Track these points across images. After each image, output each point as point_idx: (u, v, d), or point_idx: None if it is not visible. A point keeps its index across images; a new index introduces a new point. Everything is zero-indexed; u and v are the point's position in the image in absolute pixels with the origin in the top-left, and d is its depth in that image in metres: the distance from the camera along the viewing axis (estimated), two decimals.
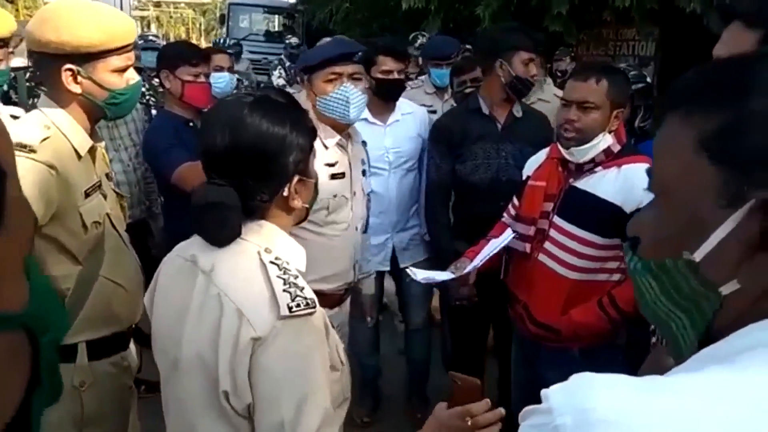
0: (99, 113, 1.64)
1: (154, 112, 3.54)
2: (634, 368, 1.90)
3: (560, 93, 3.32)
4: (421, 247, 2.85)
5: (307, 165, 1.19)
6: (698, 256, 0.57)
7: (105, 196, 1.68)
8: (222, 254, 1.12)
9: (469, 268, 2.04)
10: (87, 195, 1.58)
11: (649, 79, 3.15)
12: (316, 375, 1.09)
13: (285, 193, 1.15)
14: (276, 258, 1.11)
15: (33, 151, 1.44)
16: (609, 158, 1.86)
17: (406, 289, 2.92)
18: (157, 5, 41.22)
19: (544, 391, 0.54)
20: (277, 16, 15.74)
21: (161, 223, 3.09)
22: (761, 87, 0.54)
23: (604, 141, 1.86)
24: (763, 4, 1.15)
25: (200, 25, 43.00)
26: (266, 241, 1.14)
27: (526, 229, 2.01)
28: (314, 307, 1.08)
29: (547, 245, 1.94)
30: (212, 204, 1.09)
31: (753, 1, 1.17)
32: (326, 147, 2.05)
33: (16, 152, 0.64)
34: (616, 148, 1.87)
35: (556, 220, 1.94)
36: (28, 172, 1.41)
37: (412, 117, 2.79)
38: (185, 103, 2.62)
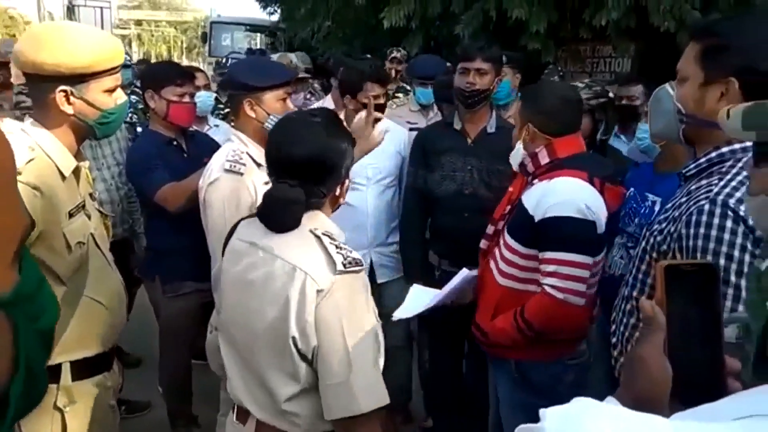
0: (88, 133, 1.67)
1: (139, 129, 3.54)
2: (579, 388, 1.92)
3: None
4: (400, 263, 2.87)
5: (350, 169, 1.48)
6: (764, 265, 0.56)
7: (89, 216, 1.69)
8: (280, 235, 1.37)
9: (430, 304, 2.10)
10: (71, 215, 1.59)
11: (611, 95, 3.26)
12: (368, 318, 1.34)
13: (337, 193, 1.46)
14: (325, 231, 1.38)
15: (18, 173, 1.44)
16: (538, 169, 1.93)
17: (383, 306, 2.93)
18: (138, 24, 41.08)
19: (542, 411, 0.54)
20: (259, 34, 15.81)
21: (144, 242, 3.08)
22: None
23: (517, 152, 2.00)
24: (706, 24, 1.44)
25: (182, 43, 42.94)
26: (315, 223, 1.39)
27: (489, 228, 2.11)
28: (362, 265, 1.35)
29: (495, 249, 2.02)
30: (286, 200, 1.35)
31: (702, 23, 1.55)
32: (259, 165, 2.07)
33: None
34: (544, 159, 1.92)
35: (504, 224, 2.02)
36: None
37: (390, 135, 2.82)
38: (169, 123, 2.64)
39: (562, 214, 1.79)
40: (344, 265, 1.30)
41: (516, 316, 1.88)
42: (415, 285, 2.28)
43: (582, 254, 1.80)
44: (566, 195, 1.82)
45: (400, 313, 2.20)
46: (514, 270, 1.93)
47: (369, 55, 5.31)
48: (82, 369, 1.65)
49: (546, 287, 1.83)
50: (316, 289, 1.29)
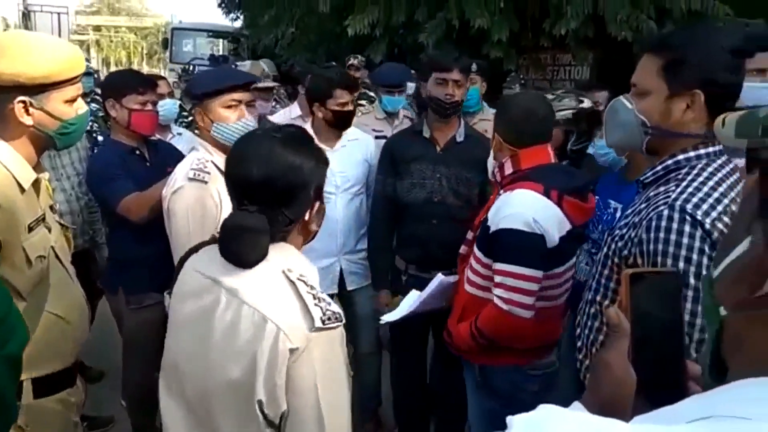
0: (48, 144, 1.62)
1: (100, 138, 3.47)
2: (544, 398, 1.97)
3: None
4: (369, 270, 2.88)
5: (322, 192, 1.30)
6: (716, 271, 0.58)
7: (49, 229, 1.65)
8: (247, 274, 1.19)
9: (410, 310, 2.14)
10: (30, 229, 1.54)
11: (586, 104, 3.32)
12: (344, 381, 1.19)
13: (306, 218, 1.27)
14: (300, 275, 1.20)
15: None
16: (504, 179, 1.96)
17: (353, 313, 2.94)
18: (97, 29, 40.21)
19: (508, 419, 0.56)
20: (221, 40, 15.68)
21: (105, 253, 3.02)
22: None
23: (489, 163, 2.07)
24: (663, 39, 1.45)
25: (142, 49, 42.25)
26: (287, 261, 1.22)
27: (469, 234, 2.12)
28: (342, 320, 1.17)
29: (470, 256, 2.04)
30: (245, 228, 1.18)
31: (658, 37, 1.62)
32: (224, 173, 2.06)
33: None
34: (509, 170, 1.95)
35: (478, 233, 2.04)
36: None
37: (357, 143, 2.85)
38: (132, 132, 2.59)
39: (510, 227, 1.81)
40: (323, 321, 1.13)
41: (471, 324, 1.91)
42: (413, 291, 2.28)
43: (528, 267, 1.80)
44: (516, 208, 1.83)
45: (389, 317, 2.22)
46: (478, 278, 1.95)
47: (334, 63, 5.32)
48: (45, 386, 1.60)
49: (495, 298, 1.85)
50: (289, 347, 1.11)
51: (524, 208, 1.82)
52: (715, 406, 0.52)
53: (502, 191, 1.95)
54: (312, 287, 1.18)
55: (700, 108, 1.35)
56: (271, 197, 1.20)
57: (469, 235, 2.12)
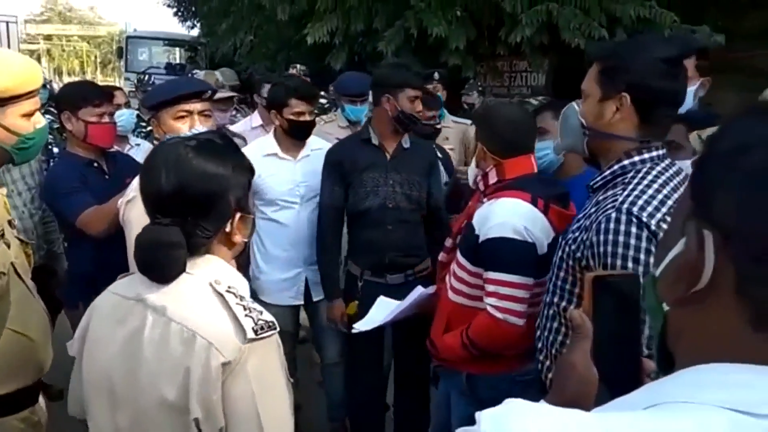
0: (5, 159, 1.60)
1: (55, 150, 3.40)
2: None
3: (458, 120, 3.84)
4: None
5: (247, 202, 1.25)
6: (657, 271, 0.63)
7: (8, 245, 1.62)
8: (172, 290, 1.16)
9: (387, 319, 2.17)
10: None
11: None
12: (283, 390, 1.16)
13: (227, 230, 1.21)
14: (229, 287, 1.17)
15: None
16: (488, 188, 1.98)
17: (319, 324, 2.93)
18: (48, 38, 39.09)
19: (477, 414, 0.59)
20: (178, 48, 15.49)
21: (64, 264, 2.95)
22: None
23: (471, 170, 2.09)
24: (607, 49, 1.58)
25: (95, 58, 41.30)
26: (213, 273, 1.19)
27: (448, 242, 2.13)
28: (275, 328, 1.15)
29: (452, 264, 2.05)
30: (158, 243, 1.14)
31: (597, 47, 1.71)
32: None
33: None
34: (493, 179, 1.96)
35: (459, 240, 2.06)
36: None
37: (321, 153, 2.84)
38: (89, 144, 2.55)
39: (500, 235, 1.81)
40: (255, 332, 1.10)
41: (462, 334, 1.90)
42: (381, 297, 2.28)
43: (521, 275, 1.81)
44: (505, 216, 1.83)
45: (361, 325, 2.22)
46: (464, 287, 1.94)
47: (294, 71, 5.33)
48: (7, 404, 1.58)
49: (488, 307, 1.84)
50: (222, 361, 1.09)
51: (513, 217, 1.83)
52: (662, 394, 0.57)
53: (485, 200, 1.96)
54: (242, 298, 1.16)
55: (629, 110, 1.44)
56: (183, 208, 1.16)
57: (448, 242, 2.12)
